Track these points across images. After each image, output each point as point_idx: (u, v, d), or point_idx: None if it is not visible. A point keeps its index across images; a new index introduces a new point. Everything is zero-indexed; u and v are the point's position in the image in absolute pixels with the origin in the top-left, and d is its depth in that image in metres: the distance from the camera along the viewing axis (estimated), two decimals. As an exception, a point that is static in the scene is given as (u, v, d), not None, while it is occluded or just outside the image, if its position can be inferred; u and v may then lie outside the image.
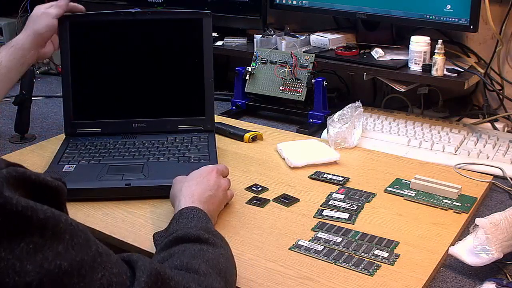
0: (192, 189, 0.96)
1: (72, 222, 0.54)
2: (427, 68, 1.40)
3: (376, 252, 0.91)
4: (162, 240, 0.84)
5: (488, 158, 1.26)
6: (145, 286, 0.58)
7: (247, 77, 1.58)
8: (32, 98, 1.47)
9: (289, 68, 1.51)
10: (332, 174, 1.19)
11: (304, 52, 1.56)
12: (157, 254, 0.81)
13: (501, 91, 1.51)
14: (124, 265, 0.60)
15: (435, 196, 1.09)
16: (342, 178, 1.17)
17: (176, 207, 0.95)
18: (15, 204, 0.48)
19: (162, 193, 1.06)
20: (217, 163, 1.15)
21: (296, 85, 1.51)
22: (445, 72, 1.40)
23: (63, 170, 1.15)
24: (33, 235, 0.49)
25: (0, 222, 0.48)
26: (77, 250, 0.53)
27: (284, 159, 1.27)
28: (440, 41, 1.38)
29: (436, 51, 1.38)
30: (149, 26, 1.31)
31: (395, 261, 0.90)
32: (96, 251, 0.56)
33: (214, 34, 1.78)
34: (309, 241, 0.95)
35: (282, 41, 1.61)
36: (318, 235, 0.96)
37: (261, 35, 1.66)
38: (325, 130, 1.36)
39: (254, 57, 1.58)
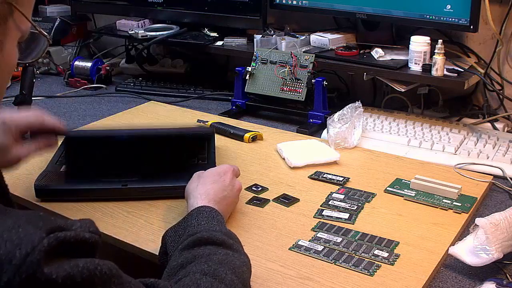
0: (207, 187, 0.96)
1: (105, 270, 0.53)
2: (427, 68, 1.40)
3: (376, 252, 0.91)
4: (182, 238, 0.83)
5: (488, 158, 1.26)
6: None
7: (247, 77, 1.58)
8: (32, 98, 1.48)
9: (289, 68, 1.51)
10: (332, 174, 1.19)
11: (304, 52, 1.56)
12: (178, 252, 0.80)
13: (501, 91, 1.51)
14: None
15: (435, 196, 1.09)
16: (342, 178, 1.17)
17: (190, 203, 0.94)
18: (55, 279, 0.48)
19: (159, 194, 1.07)
20: (215, 164, 1.15)
21: (296, 85, 1.51)
22: (445, 72, 1.40)
23: (61, 170, 1.15)
24: None
25: None
26: None
27: (284, 159, 1.27)
28: (440, 41, 1.38)
29: (436, 51, 1.38)
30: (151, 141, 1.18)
31: (395, 261, 0.90)
32: None
33: (214, 34, 1.79)
34: (309, 241, 0.95)
35: (282, 41, 1.61)
36: (318, 235, 0.96)
37: (261, 35, 1.66)
38: (325, 130, 1.36)
39: (254, 57, 1.58)
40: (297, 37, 1.64)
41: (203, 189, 0.95)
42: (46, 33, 0.71)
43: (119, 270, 0.56)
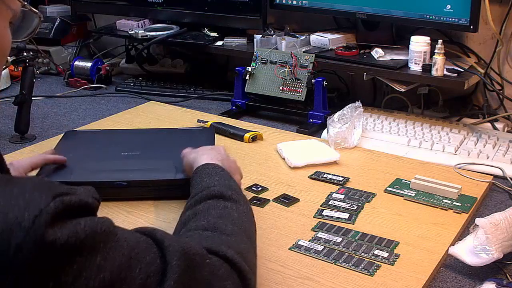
0: (208, 152, 1.01)
1: (104, 228, 0.56)
2: (427, 68, 1.40)
3: (376, 252, 0.91)
4: (189, 200, 0.87)
5: (488, 158, 1.26)
6: (178, 270, 0.60)
7: (247, 77, 1.58)
8: (32, 98, 1.48)
9: (289, 68, 1.51)
10: (332, 174, 1.19)
11: (304, 52, 1.56)
12: (183, 213, 0.84)
13: (501, 91, 1.51)
14: (153, 247, 0.61)
15: (435, 196, 1.09)
16: (342, 178, 1.17)
17: (195, 166, 0.97)
18: (60, 237, 0.50)
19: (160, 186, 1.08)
20: None
21: (296, 85, 1.51)
22: (445, 72, 1.40)
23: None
24: (76, 258, 0.52)
25: (50, 260, 0.50)
26: (113, 256, 0.55)
27: (284, 159, 1.27)
28: (440, 41, 1.38)
29: (436, 51, 1.38)
30: None
31: (395, 261, 0.90)
32: (128, 247, 0.58)
33: (214, 34, 1.78)
34: (309, 241, 0.95)
35: (282, 41, 1.61)
36: (318, 235, 0.96)
37: (261, 35, 1.66)
38: (325, 130, 1.36)
39: (254, 57, 1.58)
40: (297, 37, 1.64)
41: (204, 153, 1.00)
42: (36, 10, 0.71)
43: (116, 227, 0.59)
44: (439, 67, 1.38)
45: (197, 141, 1.15)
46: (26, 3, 0.66)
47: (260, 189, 1.13)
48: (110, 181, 1.07)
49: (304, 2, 1.64)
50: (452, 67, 1.41)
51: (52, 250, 0.50)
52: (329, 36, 1.62)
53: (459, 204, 1.06)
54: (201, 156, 0.99)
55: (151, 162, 1.13)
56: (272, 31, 1.70)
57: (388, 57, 1.51)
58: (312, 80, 1.48)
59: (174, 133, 1.32)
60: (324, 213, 1.04)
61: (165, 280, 0.60)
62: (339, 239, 0.95)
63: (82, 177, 1.08)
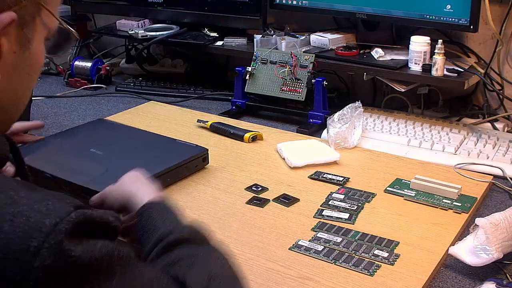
0: (134, 185, 0.85)
1: (122, 253, 0.54)
2: (427, 68, 1.40)
3: (376, 252, 0.91)
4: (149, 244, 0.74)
5: (488, 158, 1.26)
6: None
7: (247, 77, 1.58)
8: (32, 98, 1.48)
9: (289, 68, 1.51)
10: (332, 174, 1.19)
11: (304, 52, 1.56)
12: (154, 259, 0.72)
13: (501, 91, 1.51)
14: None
15: (435, 196, 1.09)
16: (342, 178, 1.17)
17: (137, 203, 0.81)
18: (74, 255, 0.50)
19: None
20: None
21: (296, 85, 1.51)
22: (445, 72, 1.40)
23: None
24: (91, 276, 0.51)
25: (62, 274, 0.49)
26: (132, 283, 0.55)
27: (284, 159, 1.27)
28: (440, 41, 1.38)
29: (436, 51, 1.38)
30: None
31: (395, 261, 0.90)
32: (149, 279, 0.57)
33: (214, 34, 1.78)
34: (309, 241, 0.95)
35: (282, 41, 1.61)
36: (318, 235, 0.96)
37: (261, 35, 1.66)
38: (325, 130, 1.36)
39: (254, 57, 1.58)
40: (297, 37, 1.64)
41: (131, 187, 0.85)
42: (72, 29, 0.71)
43: (137, 259, 0.57)
44: (439, 67, 1.38)
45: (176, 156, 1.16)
46: (63, 21, 0.66)
47: (260, 189, 1.13)
48: (42, 171, 1.07)
49: (304, 2, 1.64)
50: (452, 67, 1.41)
51: (68, 261, 0.49)
52: (329, 36, 1.62)
53: (459, 204, 1.06)
54: (131, 189, 0.84)
55: (98, 165, 1.10)
56: (272, 31, 1.70)
57: (388, 57, 1.51)
58: (312, 80, 1.48)
59: (162, 142, 1.25)
60: (324, 213, 1.04)
61: None
62: (339, 239, 0.95)
63: (31, 161, 0.99)
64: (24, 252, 0.48)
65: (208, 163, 1.22)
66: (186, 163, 1.17)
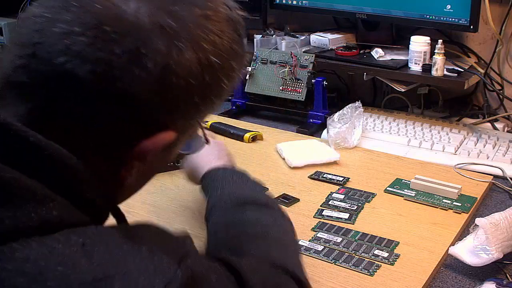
0: (209, 156, 0.92)
1: None
2: (427, 68, 1.40)
3: (376, 252, 0.91)
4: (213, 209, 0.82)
5: (488, 158, 1.26)
6: None
7: (247, 77, 1.58)
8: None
9: (289, 68, 1.51)
10: (332, 174, 1.19)
11: (304, 52, 1.56)
12: (216, 223, 0.79)
13: (501, 91, 1.51)
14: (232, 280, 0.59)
15: (435, 196, 1.09)
16: (342, 178, 1.17)
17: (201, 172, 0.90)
18: None
19: None
20: None
21: (296, 85, 1.51)
22: (445, 72, 1.40)
23: None
24: None
25: None
26: None
27: (284, 159, 1.27)
28: (440, 41, 1.38)
29: (436, 51, 1.37)
30: None
31: (395, 261, 0.90)
32: None
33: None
34: (309, 241, 0.95)
35: (282, 41, 1.61)
36: (318, 235, 0.96)
37: (261, 35, 1.66)
38: (325, 130, 1.36)
39: (254, 57, 1.58)
40: (297, 37, 1.64)
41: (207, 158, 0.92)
42: (208, 138, 0.74)
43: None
44: (439, 67, 1.38)
45: None
46: (206, 135, 0.69)
47: (260, 189, 1.13)
48: None
49: (304, 2, 1.64)
50: (452, 67, 1.41)
51: None
52: (329, 36, 1.62)
53: (459, 204, 1.06)
54: (206, 162, 0.92)
55: None
56: (272, 31, 1.70)
57: (388, 57, 1.51)
58: (312, 80, 1.48)
59: None
60: (324, 213, 1.04)
61: None
62: (339, 239, 0.95)
63: None
64: None
65: None
66: None
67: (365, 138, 1.37)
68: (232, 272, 0.59)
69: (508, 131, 1.44)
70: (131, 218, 1.02)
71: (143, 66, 0.50)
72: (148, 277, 0.47)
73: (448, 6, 1.39)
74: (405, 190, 1.12)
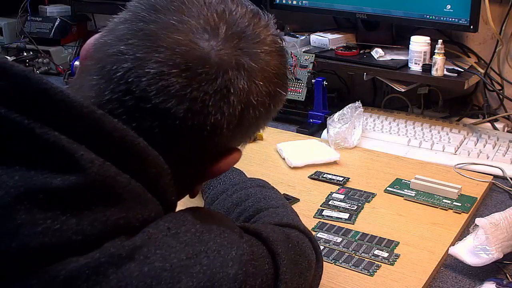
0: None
1: None
2: (427, 68, 1.40)
3: (376, 252, 0.91)
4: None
5: (488, 158, 1.26)
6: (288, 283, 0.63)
7: (247, 77, 1.57)
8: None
9: (289, 68, 1.51)
10: (332, 174, 1.19)
11: (304, 52, 1.56)
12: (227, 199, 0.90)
13: (501, 91, 1.51)
14: (267, 253, 0.62)
15: (435, 196, 1.09)
16: (342, 178, 1.17)
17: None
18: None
19: None
20: None
21: (296, 85, 1.51)
22: (445, 72, 1.40)
23: None
24: None
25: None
26: None
27: (284, 159, 1.27)
28: (440, 41, 1.38)
29: (436, 51, 1.37)
30: None
31: (395, 261, 0.90)
32: None
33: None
34: (309, 241, 0.95)
35: (282, 41, 1.61)
36: (318, 235, 0.96)
37: (261, 35, 1.66)
38: (325, 130, 1.36)
39: (254, 57, 1.58)
40: (297, 37, 1.64)
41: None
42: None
43: None
44: (439, 67, 1.38)
45: None
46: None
47: (260, 189, 1.13)
48: None
49: (304, 2, 1.64)
50: (452, 67, 1.41)
51: None
52: (329, 36, 1.62)
53: (459, 204, 1.06)
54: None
55: None
56: (272, 31, 1.69)
57: (388, 57, 1.51)
58: (312, 80, 1.48)
59: None
60: (324, 213, 1.04)
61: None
62: (339, 239, 0.95)
63: None
64: (225, 279, 0.53)
65: None
66: None
67: (365, 138, 1.37)
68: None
69: (508, 131, 1.44)
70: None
71: (230, 103, 0.57)
72: (226, 250, 0.55)
73: (448, 6, 1.39)
74: (405, 190, 1.12)
